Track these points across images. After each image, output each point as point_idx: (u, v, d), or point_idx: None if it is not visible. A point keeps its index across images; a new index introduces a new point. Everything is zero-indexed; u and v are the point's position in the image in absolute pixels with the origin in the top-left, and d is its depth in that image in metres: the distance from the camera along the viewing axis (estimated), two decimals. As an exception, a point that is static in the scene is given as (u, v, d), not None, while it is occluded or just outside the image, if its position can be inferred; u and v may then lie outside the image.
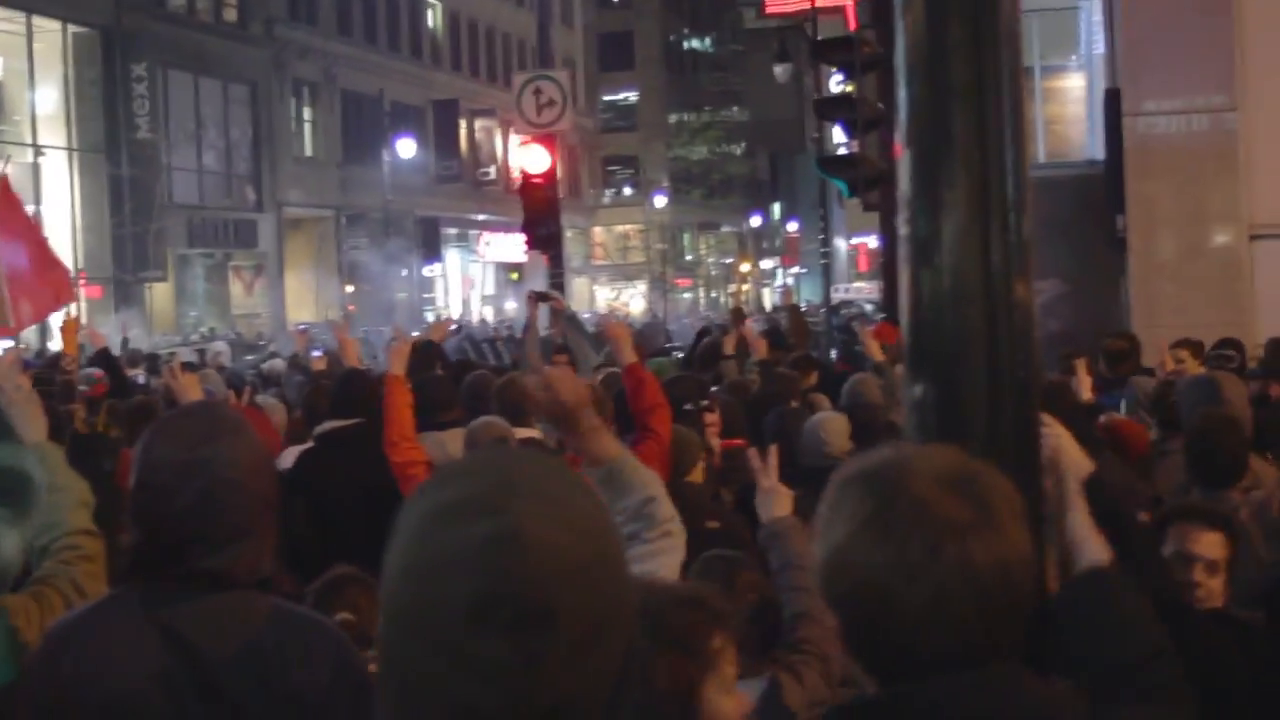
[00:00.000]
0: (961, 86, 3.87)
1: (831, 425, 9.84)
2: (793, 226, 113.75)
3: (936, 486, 2.78)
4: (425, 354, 15.12)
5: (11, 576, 3.62)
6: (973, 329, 3.88)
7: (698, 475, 8.70)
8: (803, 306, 43.75)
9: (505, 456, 2.34)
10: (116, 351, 23.37)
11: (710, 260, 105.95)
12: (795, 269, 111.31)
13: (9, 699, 4.06)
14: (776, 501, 5.70)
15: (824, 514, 2.90)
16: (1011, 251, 3.90)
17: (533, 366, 14.62)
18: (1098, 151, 23.19)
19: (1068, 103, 30.32)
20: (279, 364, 23.48)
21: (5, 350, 11.73)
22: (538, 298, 16.99)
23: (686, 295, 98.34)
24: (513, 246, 64.33)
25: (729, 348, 16.47)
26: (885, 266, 26.65)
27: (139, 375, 20.54)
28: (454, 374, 14.20)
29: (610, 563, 2.17)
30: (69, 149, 46.25)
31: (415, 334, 22.38)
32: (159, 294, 48.28)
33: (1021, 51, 4.05)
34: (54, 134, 46.00)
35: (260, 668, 3.73)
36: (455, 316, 53.96)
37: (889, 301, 25.09)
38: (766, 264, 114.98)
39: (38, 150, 44.74)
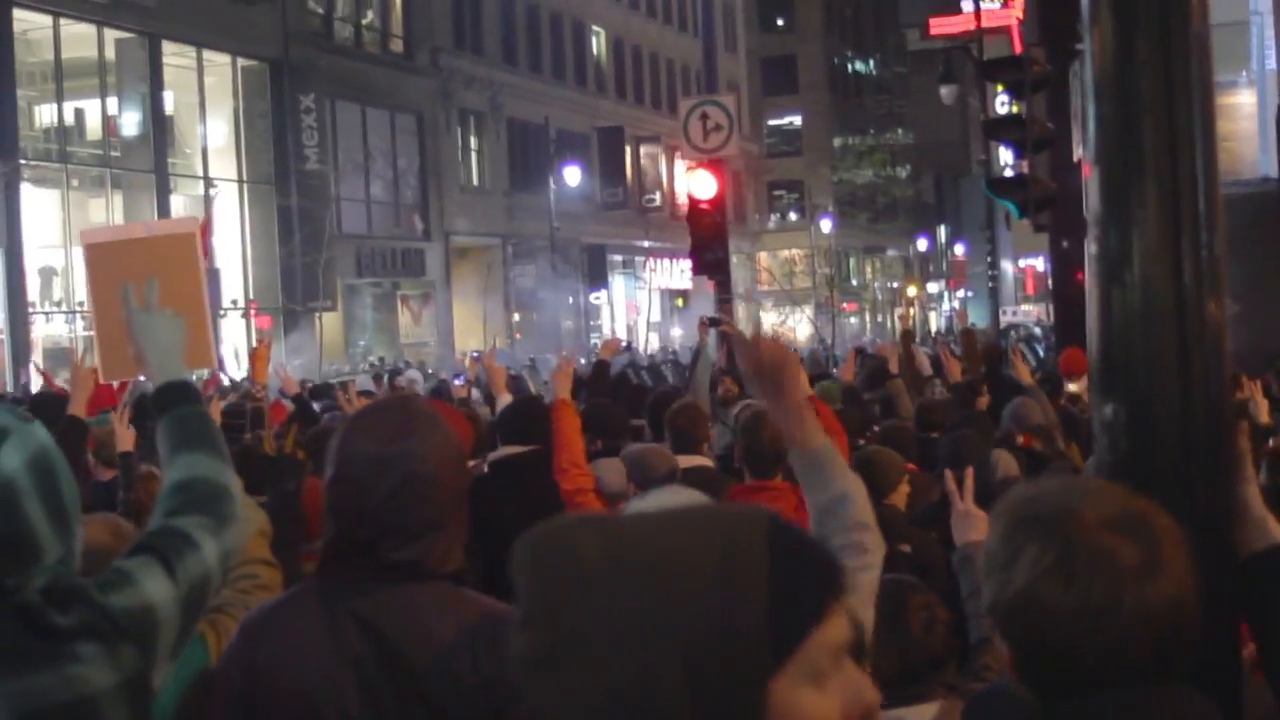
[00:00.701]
0: (1151, 102, 3.83)
1: (1007, 458, 9.71)
2: (959, 249, 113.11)
3: (1112, 534, 2.85)
4: (597, 375, 15.19)
5: (216, 586, 3.69)
6: (1165, 348, 3.84)
7: (899, 499, 8.68)
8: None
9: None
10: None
11: (876, 284, 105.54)
12: (961, 292, 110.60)
13: (204, 687, 4.16)
14: (972, 525, 5.65)
15: (998, 554, 2.96)
16: (1204, 268, 3.86)
17: (699, 392, 14.62)
18: (1271, 169, 22.89)
19: (1239, 119, 29.98)
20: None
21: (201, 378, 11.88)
22: (709, 323, 17.01)
23: (853, 320, 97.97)
24: (678, 273, 64.61)
25: (893, 367, 16.40)
26: (1055, 289, 26.33)
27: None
28: (618, 395, 14.22)
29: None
30: (239, 180, 46.95)
31: (582, 360, 22.52)
32: (328, 323, 48.80)
33: (1211, 66, 4.00)
34: (224, 166, 46.73)
35: (449, 657, 3.78)
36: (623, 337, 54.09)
37: (1059, 323, 24.84)
38: (933, 287, 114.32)
39: (208, 182, 45.48)
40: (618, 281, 71.62)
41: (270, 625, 3.94)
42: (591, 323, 66.47)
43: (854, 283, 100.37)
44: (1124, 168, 3.86)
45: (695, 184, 25.46)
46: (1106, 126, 3.90)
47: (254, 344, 14.90)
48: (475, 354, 32.24)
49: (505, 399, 11.17)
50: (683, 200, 32.71)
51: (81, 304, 40.90)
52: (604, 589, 1.98)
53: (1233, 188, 24.57)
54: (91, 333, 5.44)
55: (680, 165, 59.69)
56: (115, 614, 3.33)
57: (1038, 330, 50.67)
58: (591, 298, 66.52)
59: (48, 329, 40.02)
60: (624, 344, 32.85)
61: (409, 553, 3.84)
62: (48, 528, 3.28)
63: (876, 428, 12.16)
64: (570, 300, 62.68)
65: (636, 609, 1.96)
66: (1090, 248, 3.97)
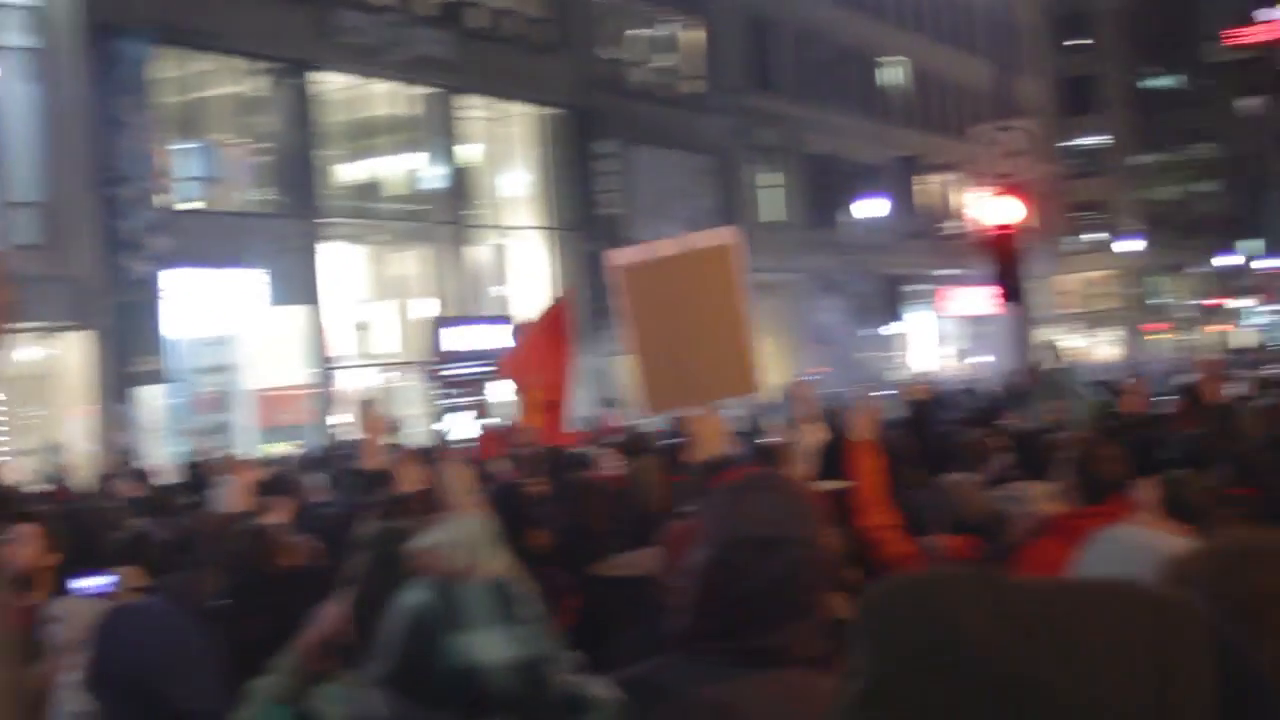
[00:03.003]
0: None
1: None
2: (1271, 263, 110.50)
3: None
4: (919, 414, 15.10)
5: None
6: None
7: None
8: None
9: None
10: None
11: (1182, 302, 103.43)
12: (1274, 306, 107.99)
13: None
14: None
15: None
16: None
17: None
18: None
19: None
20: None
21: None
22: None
23: (1165, 337, 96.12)
24: (979, 300, 63.87)
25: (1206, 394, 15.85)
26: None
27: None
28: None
29: None
30: (541, 227, 47.57)
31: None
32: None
33: None
34: (525, 215, 47.40)
35: None
36: (925, 375, 53.49)
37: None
38: (1241, 303, 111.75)
39: (509, 232, 46.14)
40: (917, 311, 71.16)
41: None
42: (889, 354, 66.05)
43: (1158, 301, 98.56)
44: None
45: (997, 210, 25.12)
46: None
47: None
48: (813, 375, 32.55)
49: (816, 430, 10.89)
50: (980, 227, 32.28)
51: (380, 356, 41.72)
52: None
53: None
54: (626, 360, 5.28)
55: (977, 192, 59.24)
56: None
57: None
58: (891, 328, 66.16)
59: (352, 383, 40.76)
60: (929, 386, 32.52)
61: (776, 639, 3.68)
62: None
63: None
64: (868, 332, 62.39)
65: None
66: None
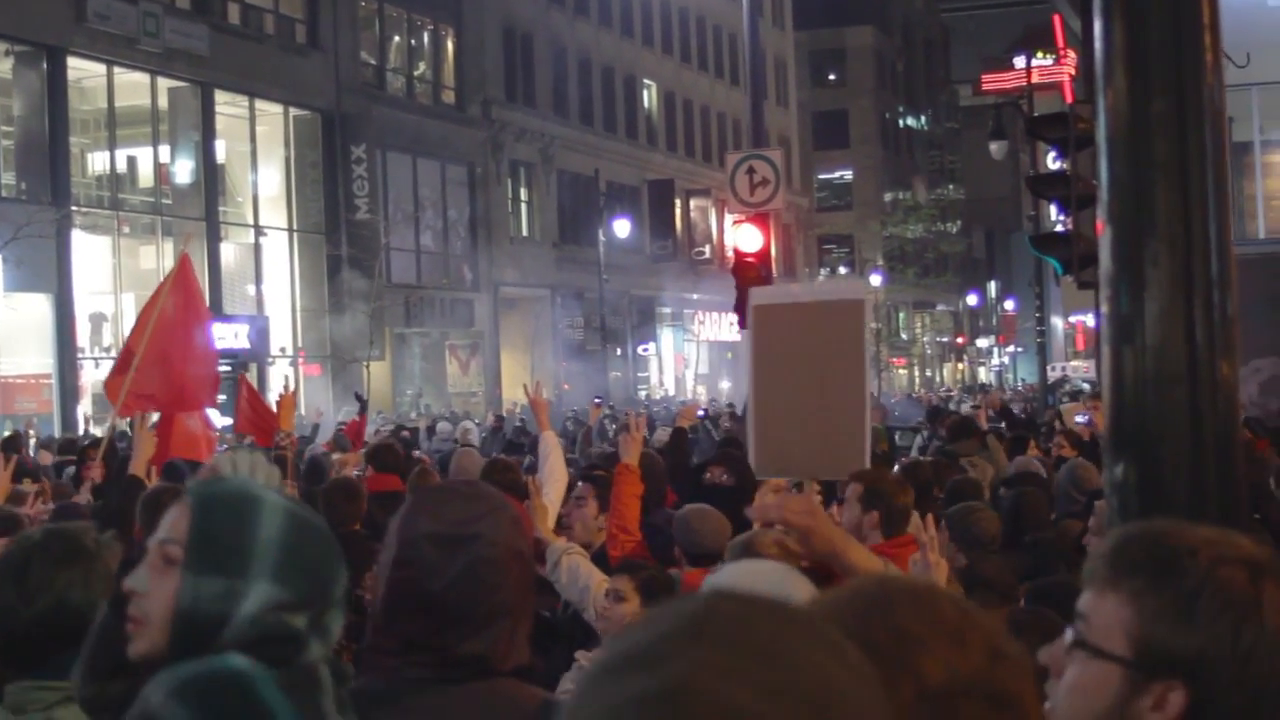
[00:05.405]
0: (1164, 163, 3.80)
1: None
2: (1009, 305, 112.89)
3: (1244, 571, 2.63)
4: (675, 443, 15.21)
5: None
6: (1176, 410, 3.81)
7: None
8: (1019, 386, 43.32)
9: (707, 597, 1.67)
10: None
11: (925, 339, 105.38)
12: (1011, 347, 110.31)
13: None
14: (934, 575, 5.52)
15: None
16: (1216, 330, 3.82)
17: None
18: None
19: (1292, 177, 29.73)
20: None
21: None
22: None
23: (902, 373, 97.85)
24: (727, 326, 64.57)
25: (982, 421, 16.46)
26: (1098, 345, 26.31)
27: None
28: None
29: None
30: (289, 229, 47.15)
31: (639, 413, 22.56)
32: (376, 372, 48.82)
33: (1226, 127, 3.97)
34: (275, 214, 46.96)
35: None
36: (701, 401, 53.51)
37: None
38: (983, 342, 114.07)
39: (259, 230, 45.68)
40: (666, 334, 71.65)
41: None
42: (639, 374, 66.46)
43: (904, 337, 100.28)
44: (1135, 228, 3.83)
45: (741, 238, 25.34)
46: (1119, 186, 3.88)
47: (284, 392, 14.54)
48: (598, 399, 32.87)
49: (549, 435, 11.04)
50: (731, 254, 32.69)
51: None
52: None
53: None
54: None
55: (730, 218, 59.58)
56: None
57: (1085, 386, 50.52)
58: (639, 350, 66.52)
59: (97, 375, 40.21)
60: (701, 411, 32.73)
61: (475, 646, 3.54)
62: None
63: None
64: (618, 352, 62.70)
65: None
66: (1102, 308, 3.95)
